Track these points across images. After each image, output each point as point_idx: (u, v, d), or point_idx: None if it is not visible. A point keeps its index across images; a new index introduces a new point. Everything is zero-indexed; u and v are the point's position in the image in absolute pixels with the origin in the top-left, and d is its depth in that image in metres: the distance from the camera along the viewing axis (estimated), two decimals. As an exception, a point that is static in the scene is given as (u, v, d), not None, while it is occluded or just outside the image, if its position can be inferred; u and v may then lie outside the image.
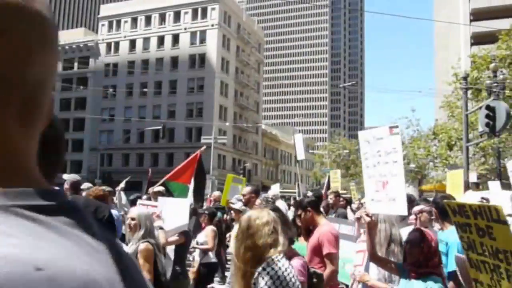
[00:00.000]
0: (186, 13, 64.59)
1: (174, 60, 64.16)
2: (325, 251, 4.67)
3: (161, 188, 8.39)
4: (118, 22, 68.05)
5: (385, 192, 4.23)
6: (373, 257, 4.24)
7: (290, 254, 3.23)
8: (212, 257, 8.16)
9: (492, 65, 22.23)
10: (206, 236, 8.11)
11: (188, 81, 62.55)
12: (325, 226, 4.91)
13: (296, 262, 3.45)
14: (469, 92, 24.91)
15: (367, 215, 4.22)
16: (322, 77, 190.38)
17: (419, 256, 3.69)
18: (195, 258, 8.22)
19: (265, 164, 74.82)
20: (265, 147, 75.86)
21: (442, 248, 4.42)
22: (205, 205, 11.52)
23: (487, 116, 16.64)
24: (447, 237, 4.56)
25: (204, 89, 61.45)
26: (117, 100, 65.11)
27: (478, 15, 51.57)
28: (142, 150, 62.10)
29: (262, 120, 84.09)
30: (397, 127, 4.42)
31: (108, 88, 65.00)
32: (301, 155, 18.78)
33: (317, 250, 4.73)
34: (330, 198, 10.25)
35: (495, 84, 19.63)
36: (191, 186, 9.24)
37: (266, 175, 73.83)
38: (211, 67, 62.12)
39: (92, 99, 66.26)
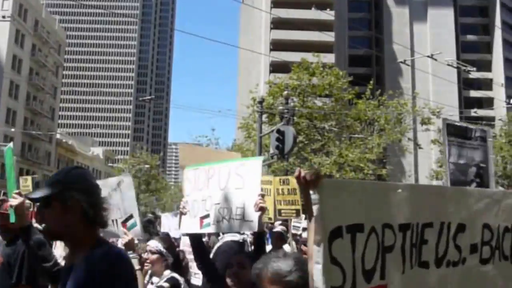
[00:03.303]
0: (-29, -1, 56.28)
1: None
2: None
3: None
4: None
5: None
6: None
7: None
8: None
9: (284, 93, 24.00)
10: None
11: (-32, 77, 54.25)
12: None
13: None
14: (264, 116, 26.37)
15: None
16: (127, 88, 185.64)
17: None
18: None
19: (58, 176, 68.78)
20: (59, 158, 69.91)
21: None
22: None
23: (277, 139, 17.50)
24: None
25: (-12, 88, 53.96)
26: None
27: (277, 45, 56.32)
28: None
29: (57, 128, 78.00)
30: None
31: None
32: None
33: None
34: None
35: (286, 111, 21.12)
36: None
37: (59, 187, 67.88)
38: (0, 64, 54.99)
39: None
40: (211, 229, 3.96)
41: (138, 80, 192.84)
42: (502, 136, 36.80)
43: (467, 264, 2.41)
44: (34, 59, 63.58)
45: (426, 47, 53.73)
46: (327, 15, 49.12)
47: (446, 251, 2.33)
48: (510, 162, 35.46)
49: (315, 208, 1.83)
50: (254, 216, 3.55)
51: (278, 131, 17.89)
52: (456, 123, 6.07)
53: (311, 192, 1.85)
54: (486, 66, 64.20)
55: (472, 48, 66.96)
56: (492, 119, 42.84)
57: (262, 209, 3.55)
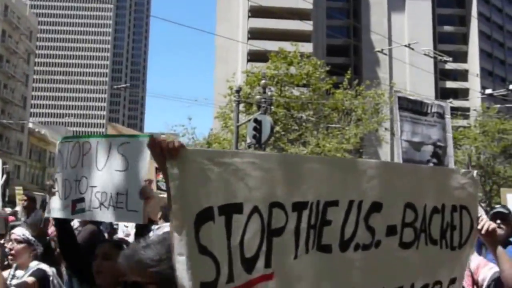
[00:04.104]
0: None
1: None
2: None
3: None
4: None
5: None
6: None
7: None
8: None
9: (262, 82, 23.78)
10: None
11: None
12: None
13: None
14: (242, 105, 26.16)
15: None
16: (102, 76, 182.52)
17: None
18: None
19: (30, 167, 67.31)
20: (31, 148, 68.26)
21: None
22: None
23: (254, 128, 17.42)
24: None
25: (-45, 75, 52.17)
26: None
27: (255, 34, 55.80)
28: None
29: (29, 117, 76.33)
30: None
31: None
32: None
33: None
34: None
35: (264, 100, 20.93)
36: None
37: (31, 178, 66.38)
38: (-33, 50, 53.19)
39: None
40: (86, 216, 3.42)
41: (113, 68, 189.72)
42: (477, 126, 37.27)
43: (382, 248, 2.07)
44: (4, 46, 61.78)
45: (404, 38, 53.90)
46: (306, 3, 48.83)
47: (355, 233, 1.99)
48: (483, 153, 35.96)
49: (173, 185, 1.48)
50: (138, 205, 3.02)
51: (255, 120, 17.87)
52: (410, 97, 5.71)
53: (168, 165, 1.49)
54: (462, 57, 64.97)
55: (448, 39, 67.68)
56: (467, 109, 43.38)
57: (148, 198, 3.02)
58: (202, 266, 1.50)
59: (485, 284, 2.99)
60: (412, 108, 5.08)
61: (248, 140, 19.32)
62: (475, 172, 2.55)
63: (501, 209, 5.03)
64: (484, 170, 35.57)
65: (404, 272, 2.18)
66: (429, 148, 5.08)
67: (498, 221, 4.49)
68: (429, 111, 5.18)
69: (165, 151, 1.48)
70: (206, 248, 1.51)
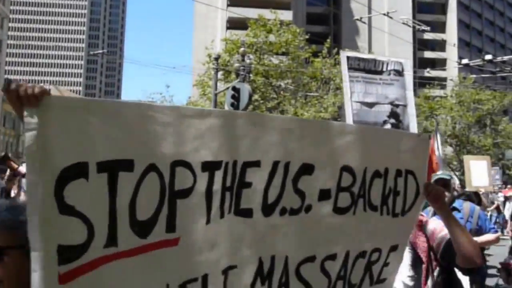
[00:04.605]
0: None
1: None
2: None
3: None
4: None
5: None
6: None
7: None
8: None
9: (241, 50, 23.51)
10: None
11: None
12: None
13: None
14: (220, 73, 25.91)
15: None
16: (79, 42, 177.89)
17: None
18: None
19: (4, 134, 66.05)
20: (5, 115, 66.79)
21: None
22: None
23: (232, 96, 17.42)
24: None
25: None
26: None
27: (234, 1, 54.79)
28: None
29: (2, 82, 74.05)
30: None
31: None
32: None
33: None
34: None
35: (242, 68, 20.75)
36: None
37: (4, 147, 65.27)
38: None
39: None
40: None
41: (90, 35, 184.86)
42: (453, 96, 37.72)
43: (313, 213, 1.93)
44: (-25, 9, 59.54)
45: (383, 7, 53.67)
46: (286, -30, 48.01)
47: (281, 196, 1.83)
48: (459, 122, 36.55)
49: (29, 135, 1.28)
50: None
51: (234, 88, 17.79)
52: (361, 55, 5.30)
53: (27, 113, 1.29)
54: (440, 27, 65.12)
55: (427, 9, 67.77)
56: (445, 79, 43.80)
57: None
58: (63, 228, 1.32)
59: (440, 250, 2.88)
60: (365, 67, 4.79)
61: (226, 108, 19.26)
62: (428, 135, 2.41)
63: (443, 176, 4.88)
64: (459, 139, 36.23)
65: (338, 239, 2.04)
66: (386, 108, 4.80)
67: None
68: (384, 69, 4.88)
69: (24, 98, 1.29)
70: (74, 208, 1.33)
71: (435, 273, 2.98)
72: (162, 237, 1.52)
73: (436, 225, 2.96)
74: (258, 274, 1.83)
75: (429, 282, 2.95)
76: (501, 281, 8.92)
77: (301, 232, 1.92)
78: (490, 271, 9.77)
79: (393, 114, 4.82)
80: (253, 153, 1.76)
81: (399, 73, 4.93)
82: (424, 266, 2.96)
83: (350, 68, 4.69)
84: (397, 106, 4.83)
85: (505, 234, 17.10)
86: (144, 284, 1.49)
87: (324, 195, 1.97)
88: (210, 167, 1.64)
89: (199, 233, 1.62)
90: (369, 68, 4.81)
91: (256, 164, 1.76)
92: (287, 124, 1.89)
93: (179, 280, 1.59)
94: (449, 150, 37.01)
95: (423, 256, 2.97)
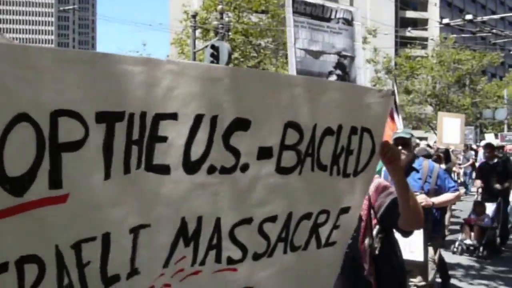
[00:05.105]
0: None
1: None
2: None
3: None
4: None
5: None
6: None
7: None
8: None
9: (219, 7, 22.95)
10: None
11: None
12: None
13: None
14: (198, 31, 25.40)
15: None
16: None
17: None
18: None
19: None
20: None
21: None
22: None
23: (212, 55, 17.26)
24: None
25: None
26: None
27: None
28: None
29: (-31, 40, 71.51)
30: None
31: None
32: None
33: None
34: None
35: (221, 26, 20.34)
36: None
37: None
38: None
39: None
40: None
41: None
42: (434, 56, 37.63)
43: (251, 172, 1.78)
44: None
45: (366, -36, 52.72)
46: None
47: (207, 153, 1.67)
48: (439, 82, 36.60)
49: None
50: None
51: (213, 46, 17.76)
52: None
53: None
54: (422, -14, 64.62)
55: (410, -33, 66.85)
56: (426, 39, 43.60)
57: None
58: None
59: (381, 210, 2.76)
60: (312, 12, 4.47)
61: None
62: (391, 91, 2.17)
63: (403, 134, 4.71)
64: (439, 99, 36.40)
65: (280, 200, 1.90)
66: (332, 58, 4.55)
67: (399, 147, 4.16)
68: (333, 16, 4.60)
69: None
70: None
71: (374, 232, 2.86)
72: (45, 194, 1.36)
73: (379, 184, 2.85)
74: (181, 234, 1.71)
75: (366, 241, 2.81)
76: (463, 237, 9.01)
77: (236, 193, 1.79)
78: (453, 227, 9.86)
79: (339, 65, 4.54)
80: (168, 104, 1.55)
81: (348, 22, 4.64)
82: (362, 224, 2.78)
83: (296, 12, 4.32)
84: (345, 57, 4.56)
85: (471, 191, 17.56)
86: (27, 245, 1.37)
87: (264, 153, 1.80)
88: (107, 118, 1.44)
89: (95, 189, 1.46)
90: (316, 14, 4.48)
91: (173, 116, 1.58)
92: (213, 73, 1.65)
93: (71, 240, 1.46)
94: (429, 109, 37.27)
95: (363, 214, 2.78)
